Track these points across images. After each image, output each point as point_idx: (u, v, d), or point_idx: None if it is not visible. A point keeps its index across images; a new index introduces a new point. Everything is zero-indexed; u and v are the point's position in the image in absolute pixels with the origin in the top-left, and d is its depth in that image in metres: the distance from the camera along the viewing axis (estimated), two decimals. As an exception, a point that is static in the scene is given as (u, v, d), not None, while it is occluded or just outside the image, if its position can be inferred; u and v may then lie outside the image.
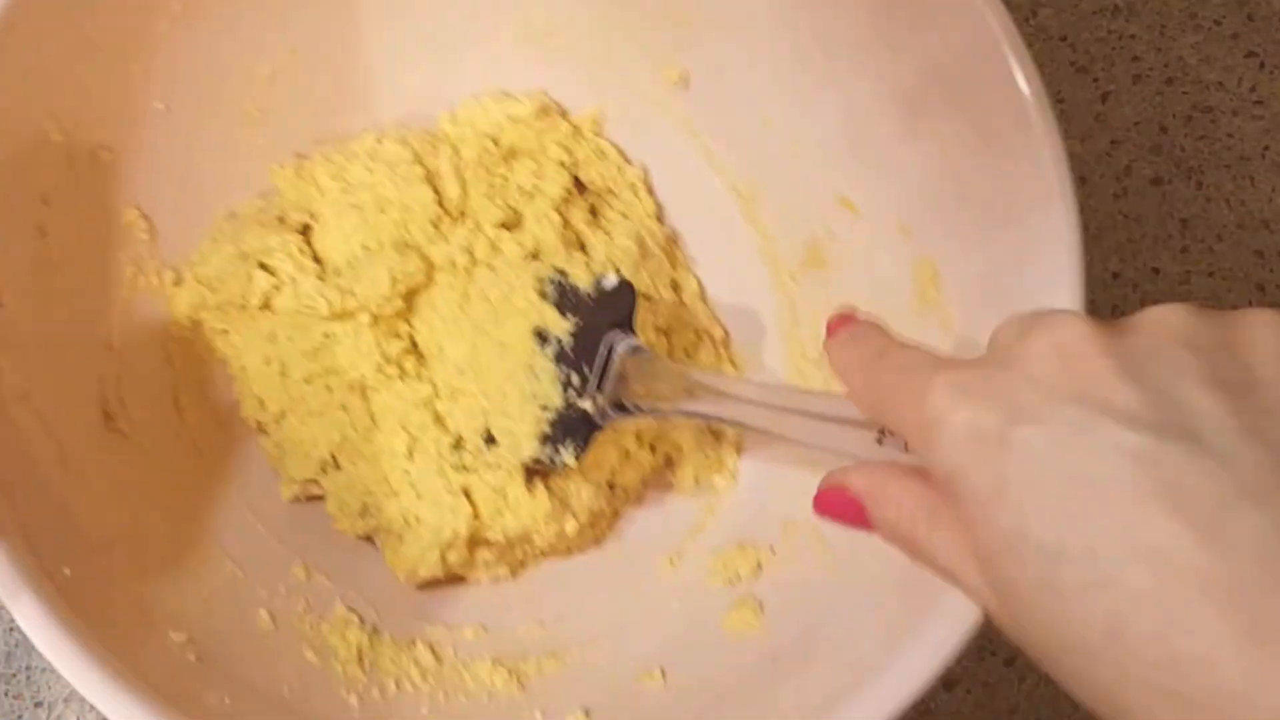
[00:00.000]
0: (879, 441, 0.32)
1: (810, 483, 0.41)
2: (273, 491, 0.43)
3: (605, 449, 0.43)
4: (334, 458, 0.42)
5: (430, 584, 0.43)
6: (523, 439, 0.40)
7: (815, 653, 0.37)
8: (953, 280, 0.39)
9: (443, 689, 0.40)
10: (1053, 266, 0.35)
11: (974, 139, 0.37)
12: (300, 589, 0.41)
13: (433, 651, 0.41)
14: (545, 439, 0.40)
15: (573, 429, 0.40)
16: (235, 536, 0.41)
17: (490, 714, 0.39)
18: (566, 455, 0.40)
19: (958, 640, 0.33)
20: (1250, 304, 0.54)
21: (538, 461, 0.41)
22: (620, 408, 0.40)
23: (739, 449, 0.45)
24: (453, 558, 0.41)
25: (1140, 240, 0.55)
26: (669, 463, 0.45)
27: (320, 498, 0.43)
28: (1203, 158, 0.56)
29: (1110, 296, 0.54)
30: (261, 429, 0.43)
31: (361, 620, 0.41)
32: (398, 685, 0.40)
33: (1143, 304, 0.55)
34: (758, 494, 0.44)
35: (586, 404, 0.40)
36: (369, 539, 0.43)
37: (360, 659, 0.40)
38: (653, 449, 0.45)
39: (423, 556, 0.41)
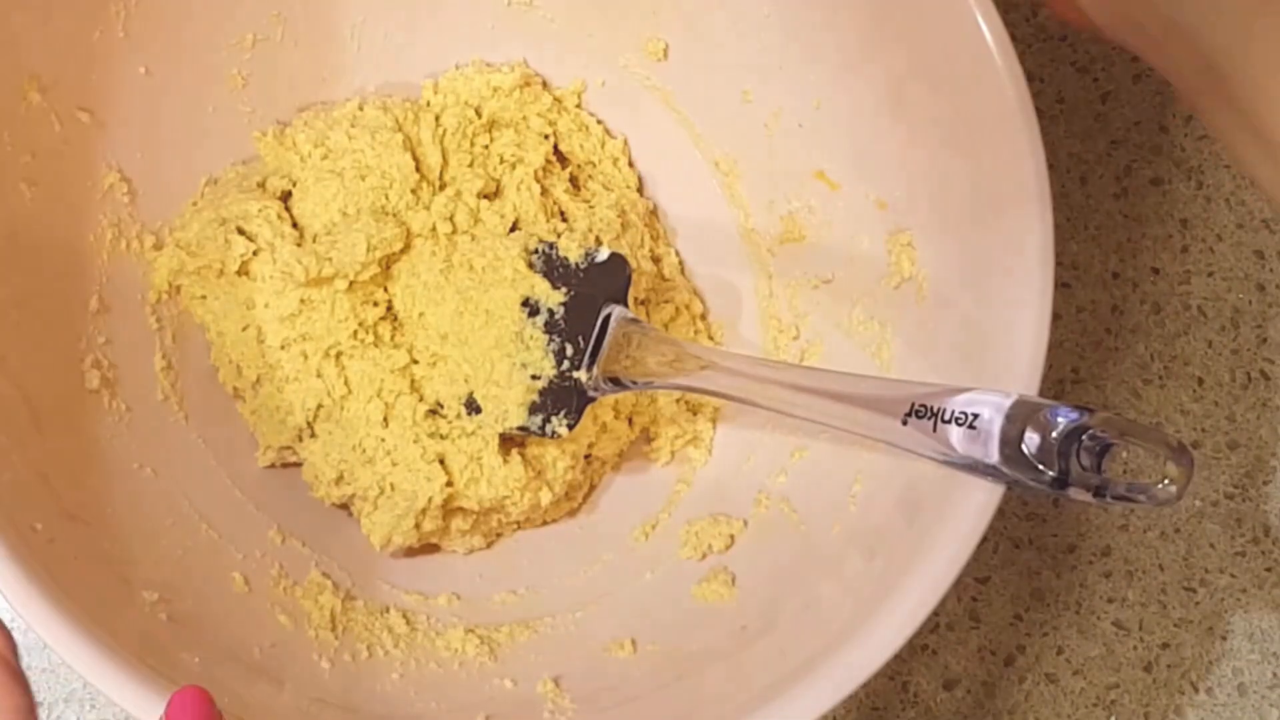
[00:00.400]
0: (903, 423, 0.32)
1: (784, 456, 0.42)
2: (250, 457, 0.43)
3: (585, 423, 0.43)
4: (310, 425, 0.43)
5: (405, 552, 0.43)
6: (511, 407, 0.41)
7: (784, 621, 0.37)
8: (927, 253, 0.39)
9: (414, 656, 0.40)
10: (1023, 241, 0.36)
11: (955, 125, 0.38)
12: (275, 553, 0.41)
13: (405, 619, 0.41)
14: (534, 407, 0.41)
15: (564, 399, 0.41)
16: (211, 501, 0.41)
17: (461, 681, 0.40)
18: (559, 425, 0.41)
19: (928, 607, 0.33)
20: (1250, 304, 0.54)
21: (524, 430, 0.41)
22: (613, 381, 0.40)
23: (715, 423, 0.45)
24: (427, 525, 0.42)
25: (1140, 240, 0.55)
26: (645, 436, 0.46)
27: (297, 464, 0.43)
28: (1203, 158, 0.56)
29: (1110, 297, 0.54)
30: (238, 395, 0.44)
31: (335, 586, 0.41)
32: (369, 651, 0.40)
33: (1142, 304, 0.56)
34: (731, 467, 0.44)
35: (581, 375, 0.40)
36: (345, 506, 0.43)
37: (333, 624, 0.40)
38: (630, 422, 0.45)
39: (397, 524, 0.41)
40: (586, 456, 0.44)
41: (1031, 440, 0.30)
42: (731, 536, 0.42)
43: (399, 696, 0.38)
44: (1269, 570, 0.52)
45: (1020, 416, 0.30)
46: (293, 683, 0.37)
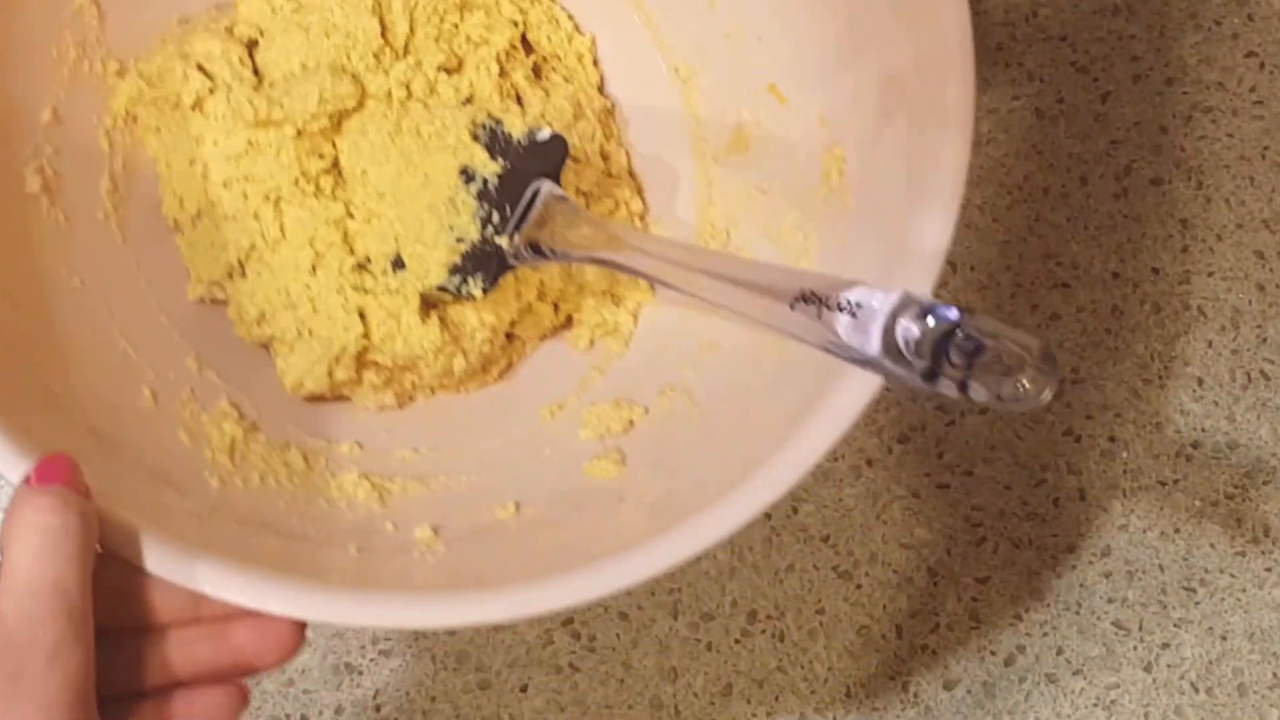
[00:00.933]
0: (791, 307, 0.34)
1: (695, 351, 0.44)
2: (181, 289, 0.45)
3: (509, 300, 0.44)
4: (241, 264, 0.44)
5: (317, 399, 0.44)
6: (433, 265, 0.42)
7: (658, 493, 0.39)
8: (855, 167, 0.41)
9: (305, 491, 0.41)
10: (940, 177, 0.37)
11: (901, 51, 0.39)
12: (188, 379, 0.43)
13: (305, 458, 0.42)
14: (455, 269, 0.42)
15: (484, 264, 0.42)
16: (134, 320, 0.43)
17: (344, 518, 0.41)
18: (474, 287, 0.42)
19: (789, 483, 0.35)
20: (1250, 304, 0.54)
21: (443, 290, 0.42)
22: (535, 250, 0.42)
23: (636, 317, 0.46)
24: (339, 374, 0.43)
25: (1140, 240, 0.55)
26: (568, 322, 0.47)
27: (224, 303, 0.45)
28: (1203, 158, 0.56)
29: (1110, 296, 0.54)
30: (178, 228, 0.45)
31: (242, 416, 0.43)
32: (261, 479, 0.41)
33: (1142, 304, 0.56)
34: (645, 359, 0.45)
35: (502, 240, 0.42)
36: (265, 347, 0.45)
37: (231, 450, 0.41)
38: (556, 308, 0.46)
39: (311, 369, 0.43)
40: (509, 335, 0.46)
41: (910, 333, 0.31)
42: (631, 422, 0.43)
43: (278, 520, 0.39)
44: (1269, 570, 0.52)
45: (902, 311, 0.31)
46: (177, 491, 0.38)
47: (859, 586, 0.51)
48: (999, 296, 0.54)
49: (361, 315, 0.43)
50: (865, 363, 0.32)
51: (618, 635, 0.50)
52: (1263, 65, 0.57)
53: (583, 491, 0.41)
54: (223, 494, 0.39)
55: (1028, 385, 0.29)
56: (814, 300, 0.33)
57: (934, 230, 0.36)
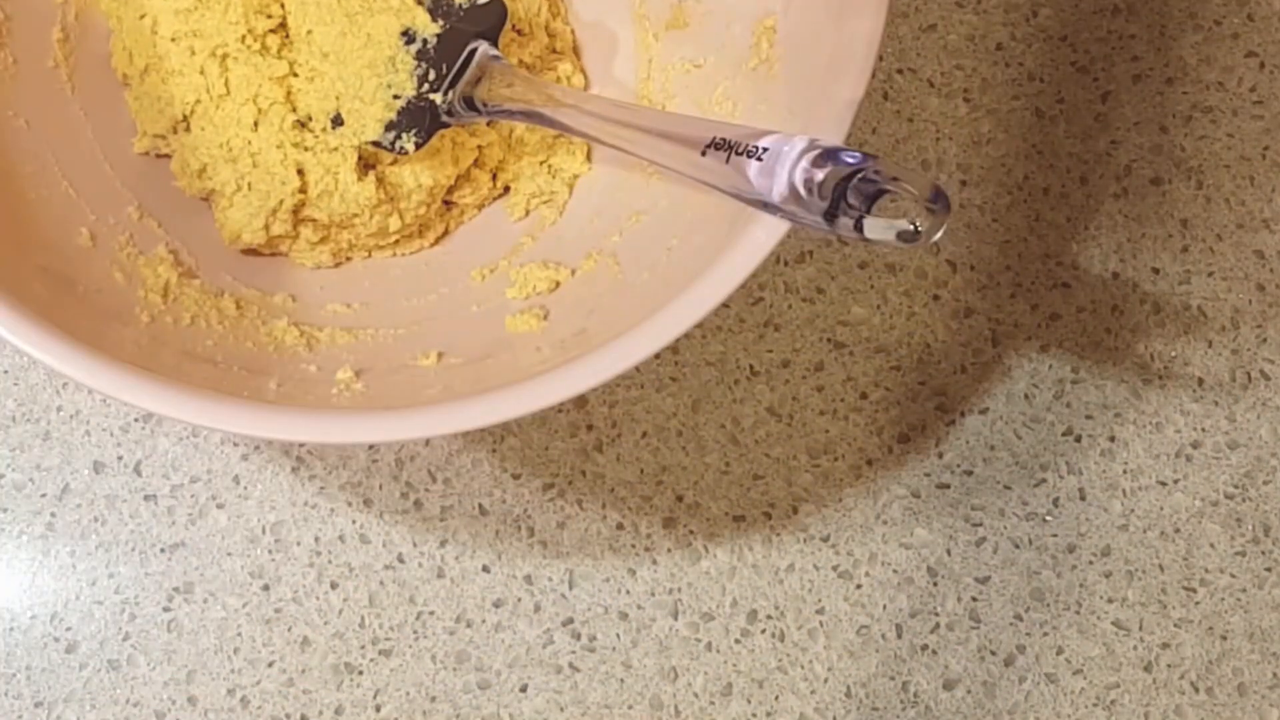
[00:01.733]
0: (702, 154, 0.36)
1: (624, 220, 0.46)
2: (127, 142, 0.47)
3: (446, 164, 0.46)
4: (186, 119, 0.46)
5: (254, 254, 0.47)
6: (369, 121, 0.44)
7: (579, 328, 0.42)
8: (783, 37, 0.43)
9: (234, 334, 0.43)
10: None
11: None
12: (128, 225, 0.45)
13: (237, 305, 0.45)
14: (390, 125, 0.44)
15: (419, 120, 0.44)
16: (79, 167, 0.45)
17: (270, 360, 0.43)
18: (408, 142, 0.44)
19: (689, 321, 0.37)
20: (1250, 304, 0.54)
21: (377, 145, 0.45)
22: (469, 107, 0.44)
23: (571, 188, 0.48)
24: (276, 228, 0.45)
25: (1140, 240, 0.55)
26: (505, 191, 0.49)
27: (168, 157, 0.47)
28: (1203, 158, 0.56)
29: (1110, 296, 0.54)
30: (126, 82, 0.47)
31: (178, 263, 0.45)
32: (192, 320, 0.43)
33: (1142, 304, 0.56)
34: (576, 227, 0.48)
35: (436, 97, 0.44)
36: (206, 200, 0.47)
37: (165, 292, 0.44)
38: (494, 177, 0.48)
39: (248, 221, 0.45)
40: (447, 203, 0.48)
41: (813, 177, 0.33)
42: (557, 282, 0.45)
43: (206, 354, 0.42)
44: (1269, 570, 0.52)
45: (806, 155, 0.33)
46: (119, 322, 0.41)
47: (859, 586, 0.51)
48: (999, 296, 0.54)
49: (300, 172, 0.45)
50: (770, 206, 0.35)
51: (618, 635, 0.50)
52: (1263, 65, 0.57)
53: (503, 343, 0.43)
54: (151, 329, 0.42)
55: (920, 224, 0.31)
56: (725, 147, 0.36)
57: (849, 84, 0.39)
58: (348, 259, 0.48)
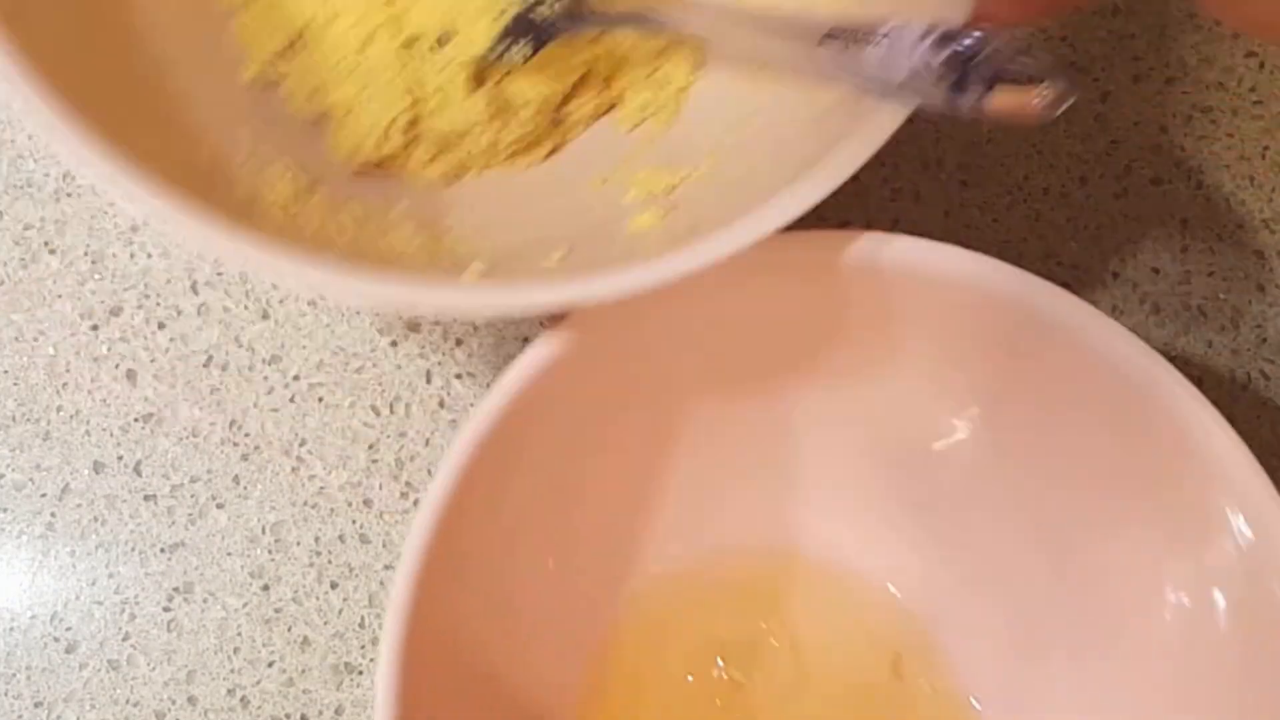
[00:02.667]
0: (819, 45, 0.37)
1: (737, 121, 0.45)
2: (235, 75, 0.46)
3: (556, 77, 0.46)
4: (294, 43, 0.46)
5: (367, 174, 0.47)
6: (477, 36, 0.45)
7: (691, 221, 0.42)
8: None
9: (359, 242, 0.43)
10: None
11: None
12: (240, 145, 0.44)
13: (360, 215, 0.44)
14: (499, 39, 0.45)
15: (527, 33, 0.45)
16: (196, 89, 0.44)
17: (396, 262, 0.42)
18: (516, 55, 0.45)
19: (815, 198, 0.37)
20: (1250, 304, 0.54)
21: (486, 59, 0.45)
22: (578, 17, 0.44)
23: (680, 97, 0.48)
24: (390, 144, 0.46)
25: (1140, 240, 0.55)
26: (618, 102, 0.49)
27: (276, 86, 0.47)
28: (1203, 158, 0.56)
29: (1110, 296, 0.54)
30: (233, 11, 0.47)
31: (294, 180, 0.44)
32: (314, 236, 0.42)
33: (1142, 304, 0.56)
34: (689, 133, 0.47)
35: (544, 7, 0.44)
36: (317, 126, 0.47)
37: (285, 206, 0.43)
38: (603, 89, 0.48)
39: (363, 139, 0.46)
40: (557, 119, 0.48)
41: (935, 58, 0.34)
42: (674, 185, 0.45)
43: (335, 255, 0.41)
44: (1269, 570, 0.52)
45: (927, 38, 0.34)
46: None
47: (859, 586, 0.51)
48: (999, 296, 0.54)
49: (410, 90, 0.45)
50: (892, 90, 0.35)
51: (618, 635, 0.50)
52: (1263, 65, 0.57)
53: (626, 242, 0.43)
54: (279, 234, 0.41)
55: (1048, 93, 0.32)
56: (842, 35, 0.36)
57: None
58: (459, 176, 0.48)
